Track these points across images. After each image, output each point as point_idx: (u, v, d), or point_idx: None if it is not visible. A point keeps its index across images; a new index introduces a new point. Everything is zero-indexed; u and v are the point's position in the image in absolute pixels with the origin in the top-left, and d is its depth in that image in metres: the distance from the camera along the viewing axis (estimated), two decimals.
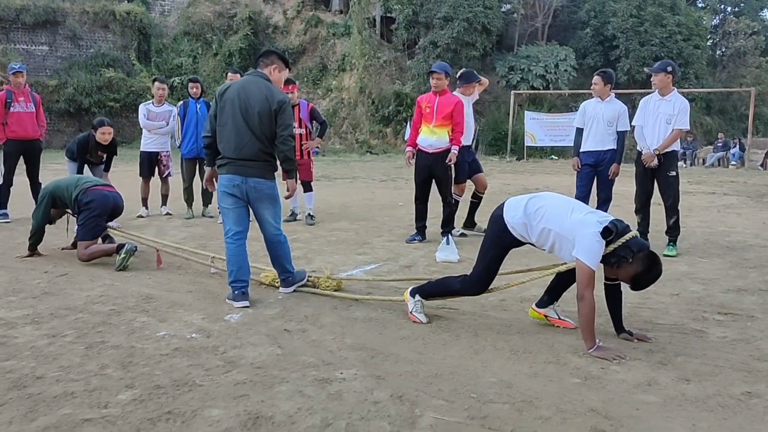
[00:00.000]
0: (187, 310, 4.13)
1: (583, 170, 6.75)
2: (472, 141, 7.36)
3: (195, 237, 6.79)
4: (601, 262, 3.48)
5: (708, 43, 30.18)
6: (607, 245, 3.42)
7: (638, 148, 6.45)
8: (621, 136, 6.63)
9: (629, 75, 25.07)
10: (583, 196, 6.73)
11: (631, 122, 6.63)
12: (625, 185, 7.95)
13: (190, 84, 8.14)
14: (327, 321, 3.96)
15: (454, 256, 5.82)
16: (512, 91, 23.21)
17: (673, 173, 6.26)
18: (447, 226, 6.65)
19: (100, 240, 5.69)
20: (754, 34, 30.21)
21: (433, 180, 6.68)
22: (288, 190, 4.63)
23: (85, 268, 5.31)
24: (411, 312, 3.99)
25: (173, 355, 3.31)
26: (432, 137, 6.52)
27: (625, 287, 3.66)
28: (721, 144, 23.22)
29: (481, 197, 7.37)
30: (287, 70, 4.62)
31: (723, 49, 32.11)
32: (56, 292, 4.54)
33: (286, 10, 27.46)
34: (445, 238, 6.15)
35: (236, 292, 4.26)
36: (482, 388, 2.97)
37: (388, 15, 26.87)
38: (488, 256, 3.81)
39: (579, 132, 6.84)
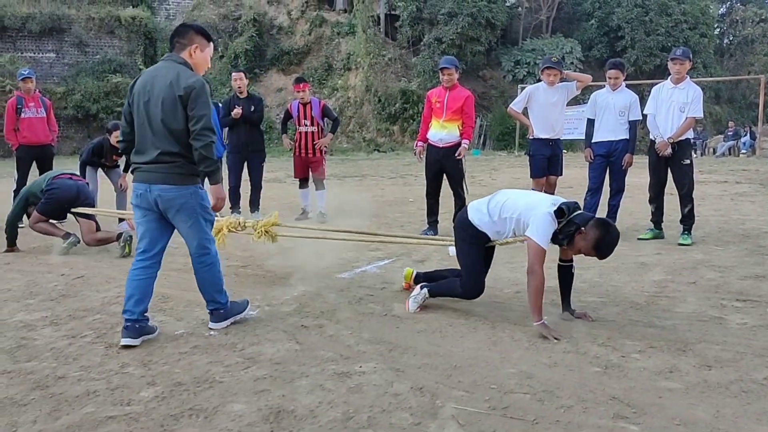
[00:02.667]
0: (204, 309, 4.13)
1: (595, 161, 6.71)
2: (548, 134, 6.74)
3: None
4: (552, 241, 3.64)
5: (715, 32, 29.97)
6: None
7: (651, 136, 6.41)
8: (633, 125, 6.59)
9: (636, 66, 24.92)
10: (596, 188, 6.71)
11: (642, 111, 6.59)
12: (637, 176, 7.90)
13: None
14: (343, 316, 3.96)
15: None
16: (519, 85, 23.12)
17: (687, 161, 6.22)
18: None
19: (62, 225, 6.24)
20: (762, 22, 29.99)
21: (444, 174, 6.66)
22: (212, 199, 3.68)
23: (101, 270, 5.34)
24: (411, 298, 4.10)
25: (192, 353, 3.33)
26: (442, 131, 6.50)
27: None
28: (731, 133, 23.06)
29: None
30: (211, 45, 3.71)
31: (730, 38, 31.91)
32: (73, 294, 4.57)
33: (291, 10, 27.47)
34: None
35: (124, 325, 3.49)
36: (502, 378, 2.96)
37: (392, 12, 26.84)
38: (469, 260, 3.96)
39: (590, 123, 6.79)
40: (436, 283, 4.20)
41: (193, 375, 3.02)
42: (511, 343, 3.45)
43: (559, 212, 3.53)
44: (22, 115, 7.60)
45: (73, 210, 6.12)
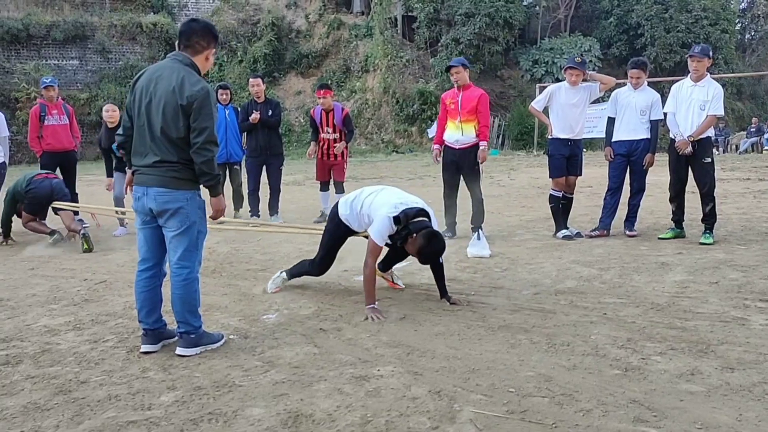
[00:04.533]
0: (224, 313, 4.19)
1: (615, 160, 6.64)
2: (567, 135, 6.63)
3: (228, 240, 6.87)
4: (391, 240, 4.15)
5: (736, 27, 29.52)
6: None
7: (671, 135, 6.33)
8: (654, 124, 6.50)
9: (656, 63, 24.63)
10: (616, 187, 6.65)
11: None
12: (657, 174, 7.83)
13: (220, 90, 8.24)
14: (361, 319, 3.97)
15: (485, 251, 5.79)
16: (537, 85, 22.97)
17: (708, 160, 6.14)
18: (477, 221, 6.62)
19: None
20: None
21: (462, 175, 6.64)
22: (212, 209, 3.57)
23: (123, 275, 5.40)
24: (271, 280, 4.76)
25: (212, 357, 3.36)
26: (458, 133, 6.50)
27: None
28: (754, 129, 22.73)
29: (570, 198, 6.86)
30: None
31: (752, 33, 31.42)
32: (96, 298, 4.64)
33: (308, 14, 27.60)
34: (475, 234, 6.12)
35: (142, 333, 3.57)
36: (520, 382, 2.95)
37: (410, 14, 26.85)
38: (328, 245, 4.52)
39: (611, 121, 6.72)
40: (294, 265, 4.78)
41: (213, 379, 3.05)
42: (529, 346, 3.44)
43: (396, 220, 4.01)
44: (46, 122, 7.75)
45: (53, 205, 6.94)
